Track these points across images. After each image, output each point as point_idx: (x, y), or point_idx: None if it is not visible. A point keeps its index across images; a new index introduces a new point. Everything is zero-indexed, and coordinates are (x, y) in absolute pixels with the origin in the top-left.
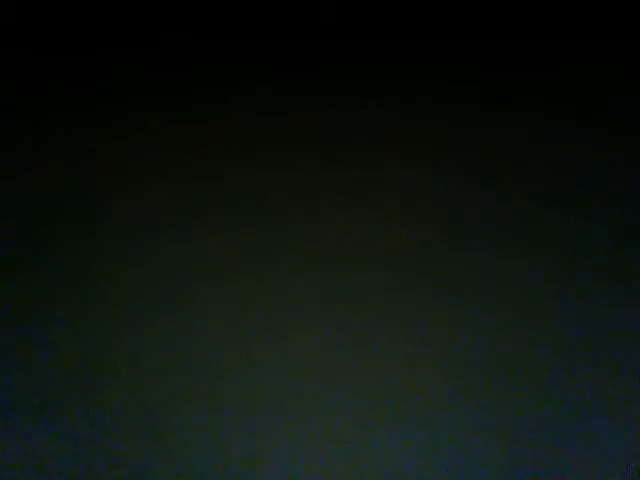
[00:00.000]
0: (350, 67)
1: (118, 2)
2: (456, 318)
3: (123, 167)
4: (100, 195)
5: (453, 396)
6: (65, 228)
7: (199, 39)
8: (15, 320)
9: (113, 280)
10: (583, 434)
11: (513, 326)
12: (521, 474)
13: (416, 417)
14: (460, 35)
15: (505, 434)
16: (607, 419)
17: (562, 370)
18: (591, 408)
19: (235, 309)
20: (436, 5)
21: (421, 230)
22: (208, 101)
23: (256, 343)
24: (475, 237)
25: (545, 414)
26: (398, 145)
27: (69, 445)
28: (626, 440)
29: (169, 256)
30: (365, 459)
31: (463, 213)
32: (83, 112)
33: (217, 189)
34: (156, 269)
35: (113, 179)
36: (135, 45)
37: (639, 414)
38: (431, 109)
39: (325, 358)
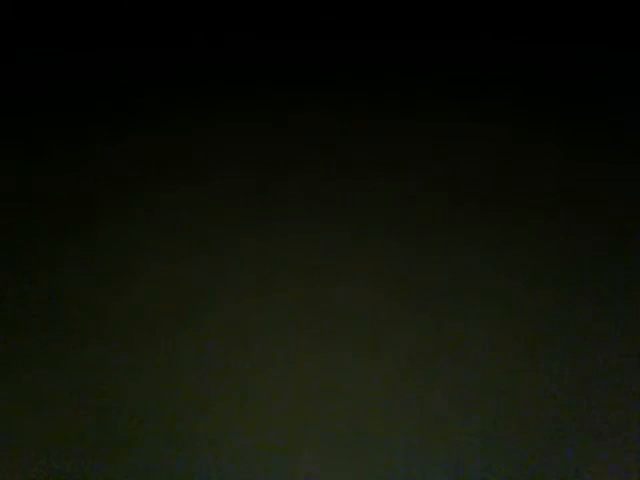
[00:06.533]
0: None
1: (118, 3)
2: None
3: (123, 172)
4: (99, 199)
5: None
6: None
7: (199, 39)
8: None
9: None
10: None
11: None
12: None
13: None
14: (462, 35)
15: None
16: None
17: (573, 384)
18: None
19: (234, 325)
20: (437, 4)
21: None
22: (207, 102)
23: (256, 357)
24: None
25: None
26: (393, 150)
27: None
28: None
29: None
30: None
31: (459, 216)
32: (84, 113)
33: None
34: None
35: (111, 184)
36: (135, 46)
37: None
38: (430, 110)
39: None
